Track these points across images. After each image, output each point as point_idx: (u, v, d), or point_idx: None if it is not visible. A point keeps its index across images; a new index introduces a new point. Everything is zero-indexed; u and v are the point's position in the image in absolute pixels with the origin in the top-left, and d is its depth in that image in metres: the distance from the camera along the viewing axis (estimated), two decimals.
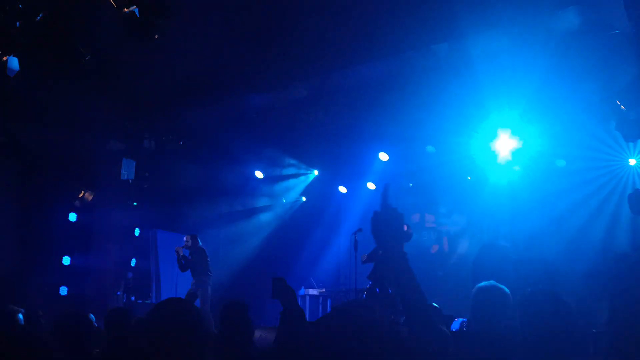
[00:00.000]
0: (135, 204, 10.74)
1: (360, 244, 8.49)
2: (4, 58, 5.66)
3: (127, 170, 10.48)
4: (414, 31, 6.70)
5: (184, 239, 9.63)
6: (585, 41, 6.71)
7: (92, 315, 5.65)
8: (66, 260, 9.78)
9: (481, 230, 11.23)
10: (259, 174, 11.63)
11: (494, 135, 9.37)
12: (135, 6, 4.73)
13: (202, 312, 2.14)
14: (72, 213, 9.97)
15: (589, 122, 8.26)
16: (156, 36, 5.05)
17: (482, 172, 10.57)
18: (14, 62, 5.83)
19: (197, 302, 9.02)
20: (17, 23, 5.78)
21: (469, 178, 11.04)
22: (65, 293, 9.65)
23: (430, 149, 10.49)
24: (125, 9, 4.72)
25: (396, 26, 6.67)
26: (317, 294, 10.32)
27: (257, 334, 5.01)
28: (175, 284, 9.94)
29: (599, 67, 6.91)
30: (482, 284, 3.36)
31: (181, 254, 9.42)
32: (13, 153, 9.22)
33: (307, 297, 10.31)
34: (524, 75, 7.37)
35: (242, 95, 8.70)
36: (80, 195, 9.94)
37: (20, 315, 3.34)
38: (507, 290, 3.31)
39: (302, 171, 11.90)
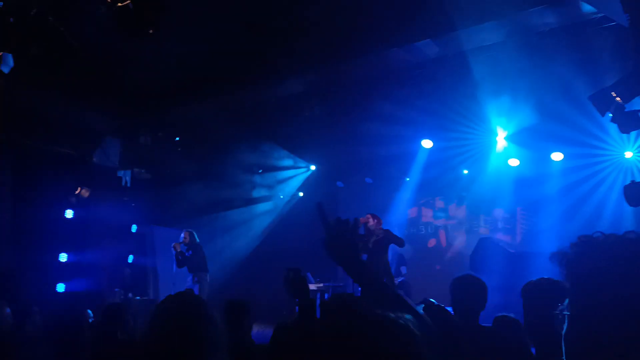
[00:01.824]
0: (131, 200, 10.72)
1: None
2: None
3: (123, 167, 10.49)
4: (410, 24, 6.68)
5: (182, 235, 9.64)
6: (578, 35, 6.71)
7: (89, 312, 5.65)
8: (63, 257, 9.75)
9: (478, 224, 11.26)
10: (256, 170, 11.62)
11: (490, 130, 9.40)
12: (129, 0, 4.70)
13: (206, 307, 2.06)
14: (68, 210, 9.93)
15: (585, 115, 8.26)
16: (150, 30, 5.02)
17: (482, 165, 10.59)
18: (8, 59, 5.79)
19: None
20: (11, 19, 5.76)
21: (465, 172, 11.07)
22: (62, 290, 9.63)
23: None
24: (119, 3, 4.68)
25: (393, 19, 6.64)
26: (315, 288, 10.31)
27: (255, 328, 5.02)
28: (172, 280, 9.93)
29: (593, 61, 6.92)
30: (460, 274, 3.43)
31: (178, 250, 9.43)
32: (8, 150, 9.19)
33: None
34: (516, 71, 7.38)
35: (237, 90, 8.67)
36: (77, 192, 9.90)
37: (8, 310, 3.30)
38: (482, 279, 3.36)
39: (299, 166, 11.88)
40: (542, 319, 2.82)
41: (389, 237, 8.07)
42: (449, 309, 3.31)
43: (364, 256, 8.29)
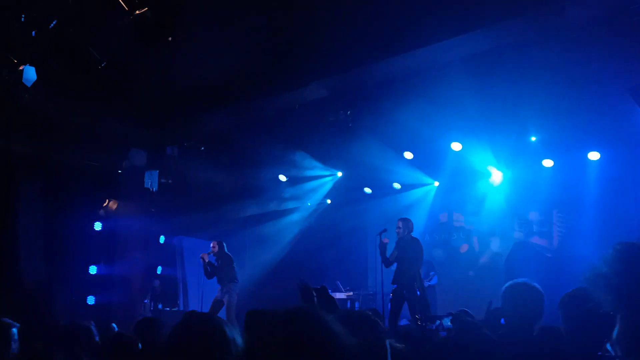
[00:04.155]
0: (159, 211, 10.72)
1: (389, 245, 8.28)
2: (20, 68, 5.65)
3: (151, 179, 10.50)
4: (436, 24, 6.47)
5: (211, 245, 9.59)
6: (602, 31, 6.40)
7: (114, 325, 5.56)
8: (93, 270, 9.79)
9: (512, 228, 10.90)
10: (282, 178, 11.51)
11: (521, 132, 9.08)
12: (146, 8, 4.63)
13: (225, 327, 1.96)
14: (97, 222, 9.98)
15: (621, 111, 7.90)
16: (170, 38, 4.95)
17: (511, 168, 10.26)
18: (30, 72, 5.80)
19: (224, 309, 8.94)
20: (33, 32, 5.77)
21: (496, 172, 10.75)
22: (93, 302, 9.66)
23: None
24: (137, 11, 4.62)
25: (417, 19, 6.46)
26: (345, 297, 10.11)
27: None
28: (201, 291, 9.88)
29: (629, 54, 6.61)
30: (513, 281, 3.21)
31: (207, 261, 9.37)
32: (38, 166, 9.29)
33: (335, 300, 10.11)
34: (548, 66, 7.09)
35: (261, 97, 8.57)
36: (105, 204, 9.95)
37: (15, 330, 3.23)
38: (539, 288, 3.12)
39: (326, 173, 11.72)
40: (582, 332, 2.63)
41: (414, 248, 7.79)
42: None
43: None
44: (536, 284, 3.09)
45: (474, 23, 6.51)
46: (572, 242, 9.54)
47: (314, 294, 2.99)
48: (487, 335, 2.76)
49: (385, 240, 7.96)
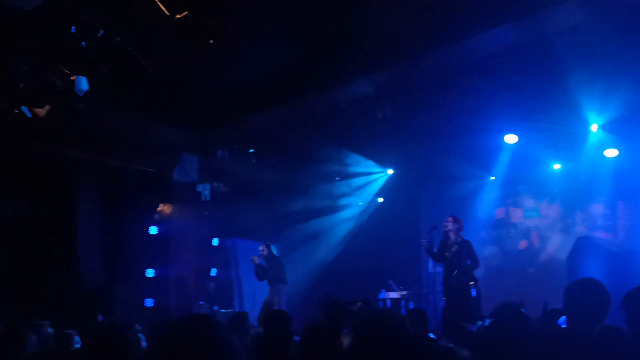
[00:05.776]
0: (211, 214, 10.86)
1: (436, 243, 8.04)
2: (72, 78, 5.81)
3: (202, 182, 10.67)
4: (485, 10, 6.21)
5: (259, 248, 9.66)
6: None
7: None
8: (149, 273, 10.00)
9: (575, 223, 10.41)
10: (333, 177, 11.43)
11: (582, 120, 8.61)
12: (187, 12, 4.66)
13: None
14: (152, 226, 10.19)
15: None
16: (211, 40, 4.96)
17: (574, 158, 9.77)
18: (82, 82, 5.96)
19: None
20: (83, 43, 5.93)
21: (557, 167, 10.29)
22: (151, 304, 9.87)
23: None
24: (178, 15, 4.65)
25: (465, 7, 6.21)
26: (398, 296, 9.91)
27: None
28: (253, 292, 9.94)
29: None
30: (579, 279, 3.01)
31: (257, 263, 9.42)
32: (96, 172, 9.60)
33: (388, 300, 9.94)
34: (608, 52, 6.66)
35: (308, 95, 8.50)
36: (159, 208, 10.16)
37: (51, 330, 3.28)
38: (606, 287, 2.91)
39: (376, 171, 11.55)
40: None
41: (466, 252, 7.50)
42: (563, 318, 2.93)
43: (441, 266, 7.79)
44: (602, 283, 2.88)
45: (525, 9, 6.21)
46: (638, 235, 9.01)
47: (348, 309, 2.92)
48: (530, 328, 2.59)
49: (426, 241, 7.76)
